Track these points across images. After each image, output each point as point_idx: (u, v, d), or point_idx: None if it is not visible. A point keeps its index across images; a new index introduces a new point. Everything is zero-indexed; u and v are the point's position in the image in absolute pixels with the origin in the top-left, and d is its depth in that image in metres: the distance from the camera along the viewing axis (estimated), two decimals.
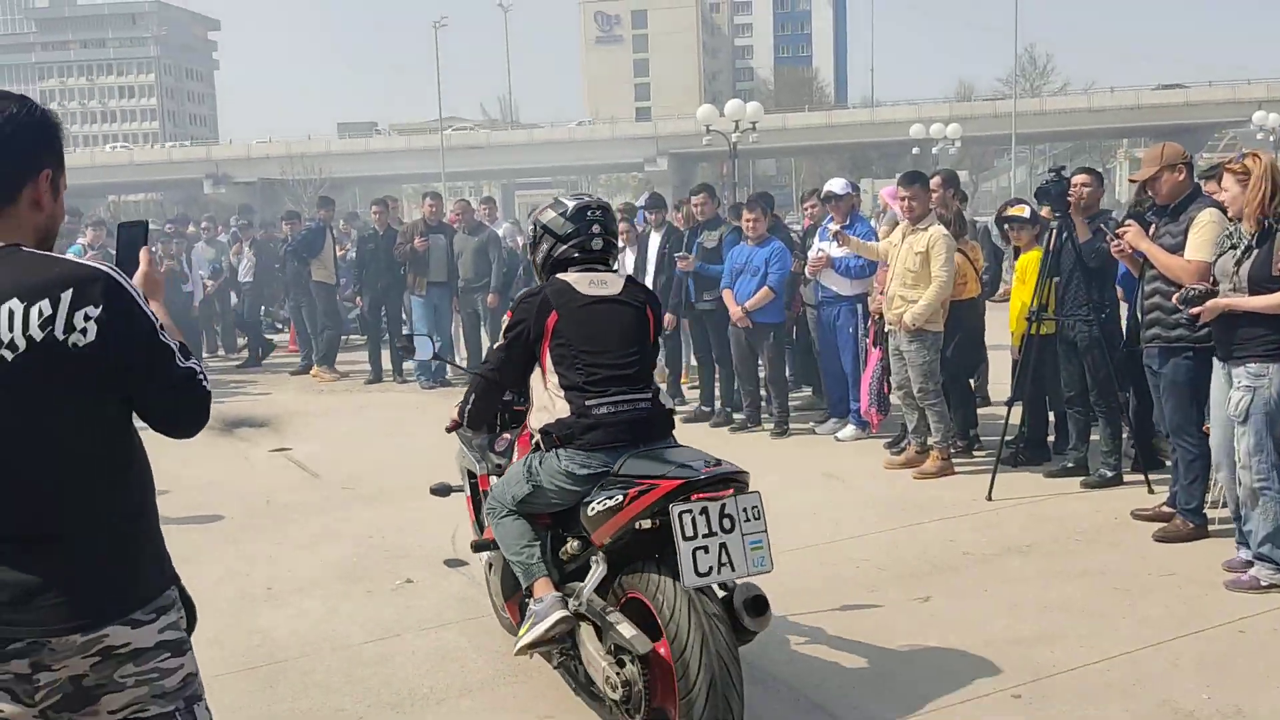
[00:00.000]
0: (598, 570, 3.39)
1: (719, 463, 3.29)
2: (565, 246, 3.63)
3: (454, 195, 55.45)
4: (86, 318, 1.87)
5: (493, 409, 3.92)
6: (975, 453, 7.28)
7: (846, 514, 6.10)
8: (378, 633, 4.52)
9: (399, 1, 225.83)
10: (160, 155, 76.70)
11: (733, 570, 3.18)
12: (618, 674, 3.24)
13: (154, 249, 12.04)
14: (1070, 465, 6.62)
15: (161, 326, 2.02)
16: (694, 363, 9.45)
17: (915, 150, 49.88)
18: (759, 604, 3.24)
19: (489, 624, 4.53)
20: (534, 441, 3.59)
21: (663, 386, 6.33)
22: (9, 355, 1.85)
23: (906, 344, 6.84)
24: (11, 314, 1.86)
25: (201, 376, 2.09)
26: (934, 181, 7.42)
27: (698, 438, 8.20)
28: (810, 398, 9.28)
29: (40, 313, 1.85)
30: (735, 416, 8.59)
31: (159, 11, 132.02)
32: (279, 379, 12.01)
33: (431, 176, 65.07)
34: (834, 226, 7.76)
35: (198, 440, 8.01)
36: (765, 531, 3.25)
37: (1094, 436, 6.58)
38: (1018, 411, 6.67)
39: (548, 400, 3.53)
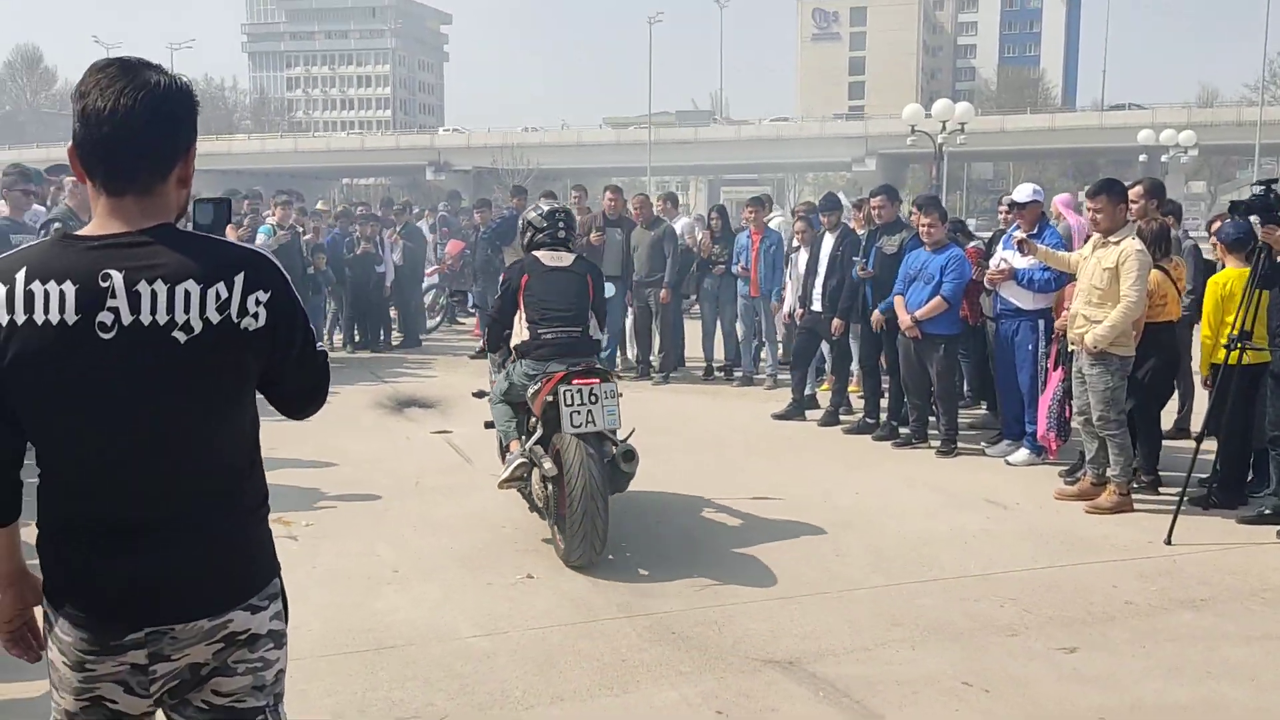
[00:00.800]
0: (536, 433, 5.46)
1: (594, 363, 5.46)
2: (540, 234, 5.81)
3: (660, 189, 56.00)
4: (258, 302, 1.86)
5: (499, 337, 5.94)
6: (1161, 490, 6.64)
7: (1003, 546, 5.66)
8: (487, 627, 4.47)
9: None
10: (388, 142, 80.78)
11: (595, 424, 5.20)
12: (542, 492, 5.38)
13: (351, 231, 12.63)
14: (1267, 512, 5.94)
15: None
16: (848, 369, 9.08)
17: (1143, 157, 46.84)
18: (629, 454, 5.31)
19: (599, 630, 4.42)
20: (512, 354, 5.71)
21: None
22: (182, 337, 1.81)
23: (1089, 367, 6.30)
24: (189, 295, 1.81)
25: (328, 362, 2.13)
26: (1134, 191, 6.80)
27: (857, 450, 7.92)
28: (984, 416, 8.74)
29: (218, 295, 1.83)
30: (901, 431, 8.17)
31: (398, 5, 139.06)
32: (458, 361, 12.30)
33: (638, 170, 66.00)
34: (1019, 234, 7.25)
35: (369, 418, 8.31)
36: (617, 402, 5.31)
37: None
38: (1211, 447, 6.04)
39: (520, 329, 5.63)
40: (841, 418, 8.87)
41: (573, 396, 5.18)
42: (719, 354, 11.14)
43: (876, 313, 7.99)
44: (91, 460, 1.85)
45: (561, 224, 5.81)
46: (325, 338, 12.80)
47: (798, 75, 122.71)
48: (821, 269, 8.76)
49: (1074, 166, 74.88)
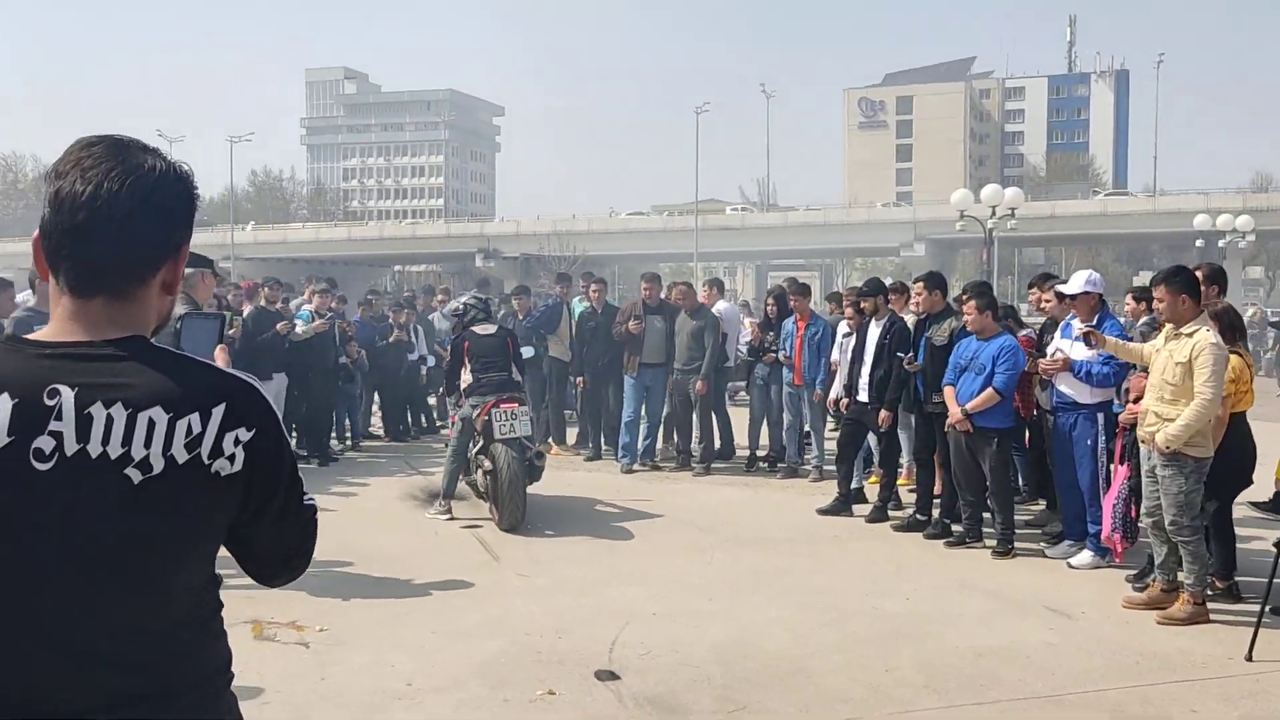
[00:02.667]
0: (479, 444, 8.08)
1: (514, 393, 8.12)
2: (475, 313, 8.62)
3: (708, 274, 56.07)
4: (237, 441, 1.54)
5: (454, 384, 8.52)
6: (1240, 598, 6.12)
7: (1068, 661, 5.18)
8: None
9: (666, 88, 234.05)
10: (439, 229, 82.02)
11: (515, 432, 7.83)
12: (484, 482, 8.09)
13: (384, 316, 12.48)
14: None
15: None
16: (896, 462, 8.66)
17: (1200, 243, 46.07)
18: (540, 455, 8.41)
19: None
20: (465, 394, 8.25)
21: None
22: (136, 476, 1.48)
23: (1161, 468, 5.83)
24: (151, 425, 1.49)
25: (318, 516, 1.76)
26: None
27: (907, 549, 7.47)
28: (1045, 514, 8.26)
29: (189, 429, 1.51)
30: (954, 528, 7.72)
31: (452, 99, 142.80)
32: None
33: (685, 256, 66.27)
34: (1079, 325, 6.88)
35: (398, 510, 7.96)
36: (529, 420, 8.12)
37: None
38: None
39: (466, 376, 8.23)
40: (890, 513, 8.44)
41: (500, 415, 7.86)
42: (764, 443, 10.78)
43: (957, 408, 7.30)
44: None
45: (481, 308, 8.78)
46: (361, 427, 12.62)
47: (844, 162, 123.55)
48: (868, 357, 8.42)
49: (1128, 252, 74.04)
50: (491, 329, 8.51)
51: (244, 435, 1.55)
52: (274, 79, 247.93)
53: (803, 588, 6.41)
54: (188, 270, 7.65)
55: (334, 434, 11.69)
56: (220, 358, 1.77)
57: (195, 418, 1.51)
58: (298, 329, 10.31)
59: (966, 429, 7.23)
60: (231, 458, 1.54)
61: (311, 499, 1.74)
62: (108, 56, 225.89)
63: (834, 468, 8.99)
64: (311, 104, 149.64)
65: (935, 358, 7.79)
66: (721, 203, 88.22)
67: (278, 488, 1.63)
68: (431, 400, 13.46)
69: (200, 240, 73.75)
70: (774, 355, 10.29)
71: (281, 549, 1.72)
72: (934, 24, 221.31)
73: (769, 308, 10.64)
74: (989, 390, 7.10)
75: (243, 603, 5.94)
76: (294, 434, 10.80)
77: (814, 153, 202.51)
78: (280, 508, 1.65)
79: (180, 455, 1.50)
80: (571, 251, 55.67)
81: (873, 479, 9.41)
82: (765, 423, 10.72)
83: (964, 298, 7.68)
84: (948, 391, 7.40)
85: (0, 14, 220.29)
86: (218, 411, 1.53)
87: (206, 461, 1.52)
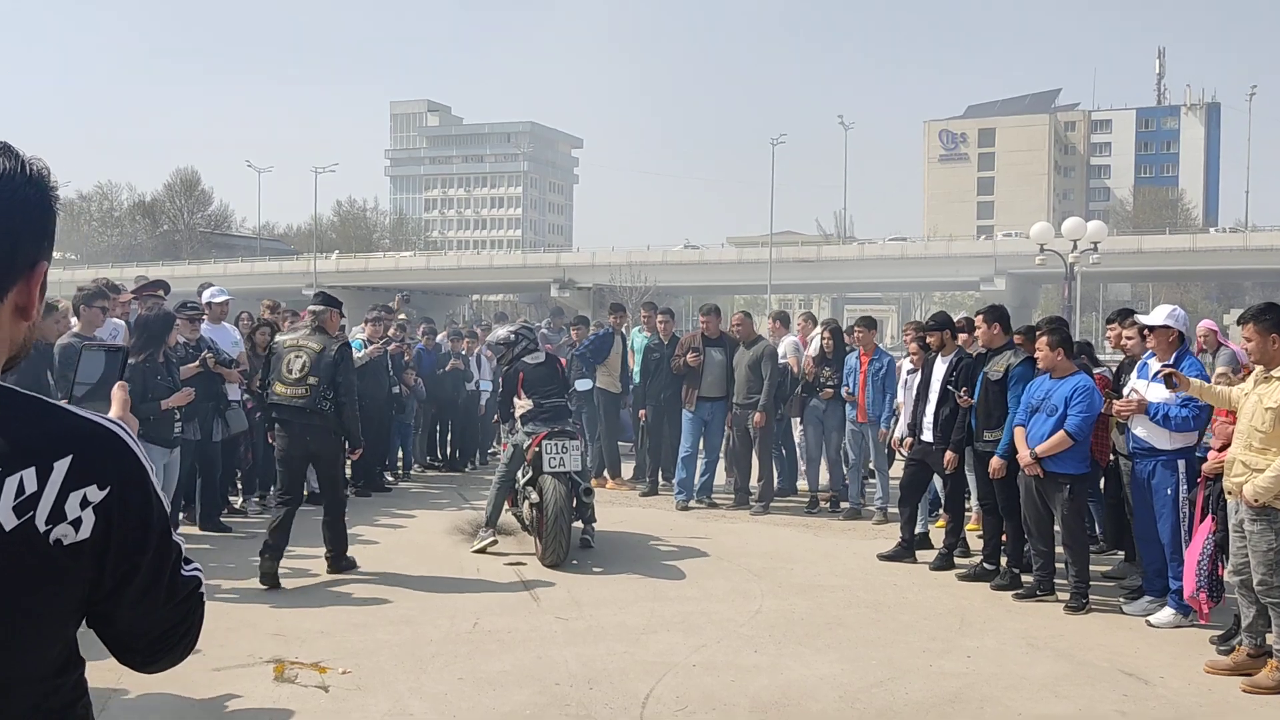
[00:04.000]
0: (529, 474, 7.87)
1: (566, 424, 8.05)
2: (525, 344, 8.50)
3: (783, 307, 55.57)
4: (84, 503, 1.27)
5: (508, 411, 8.38)
6: None
7: None
8: None
9: (743, 120, 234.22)
10: (516, 260, 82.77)
11: (564, 466, 7.67)
12: (529, 514, 7.88)
13: (432, 341, 12.30)
14: None
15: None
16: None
17: None
18: (589, 491, 8.11)
19: None
20: (517, 422, 8.16)
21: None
22: None
23: (1249, 522, 5.36)
24: None
25: (203, 589, 1.46)
26: None
27: (972, 601, 6.98)
28: (1123, 566, 7.73)
29: (20, 488, 1.24)
30: (1024, 580, 7.25)
31: (532, 130, 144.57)
32: None
33: (759, 288, 65.85)
34: (1156, 364, 6.42)
35: (442, 545, 7.75)
36: (579, 453, 7.86)
37: None
38: None
39: (522, 404, 8.12)
40: (956, 561, 7.99)
41: (551, 447, 7.72)
42: (824, 482, 10.38)
43: (996, 459, 7.14)
44: None
45: (528, 338, 8.67)
46: (416, 456, 12.47)
47: (924, 195, 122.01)
48: (933, 395, 8.00)
49: (1218, 289, 71.68)
50: (541, 356, 8.52)
51: (94, 495, 1.28)
52: (360, 112, 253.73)
53: (856, 641, 6.02)
54: (317, 308, 7.29)
55: (386, 463, 11.53)
56: (118, 396, 1.47)
57: (30, 474, 1.25)
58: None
59: (1036, 473, 6.78)
60: (76, 523, 1.27)
61: (196, 569, 1.45)
62: (198, 90, 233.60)
63: (898, 510, 8.58)
64: (395, 136, 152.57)
65: (989, 393, 7.37)
66: (797, 235, 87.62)
67: (140, 559, 1.35)
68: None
69: (286, 268, 76.28)
70: (831, 391, 9.92)
71: (150, 631, 1.42)
72: (1018, 57, 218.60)
73: (825, 342, 10.27)
74: (1060, 433, 6.65)
75: (267, 639, 5.77)
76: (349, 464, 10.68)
77: (892, 185, 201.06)
78: (147, 582, 1.36)
79: (7, 520, 1.23)
80: (644, 282, 55.55)
81: (939, 523, 8.97)
82: (823, 461, 10.33)
83: (1037, 333, 7.25)
84: (1017, 433, 6.97)
85: (94, 48, 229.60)
86: (61, 466, 1.27)
87: (43, 528, 1.25)
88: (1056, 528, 6.98)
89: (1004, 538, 7.56)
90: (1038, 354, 6.94)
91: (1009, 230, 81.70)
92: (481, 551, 8.00)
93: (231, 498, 9.56)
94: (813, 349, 10.52)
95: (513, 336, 8.65)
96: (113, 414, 1.55)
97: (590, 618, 6.41)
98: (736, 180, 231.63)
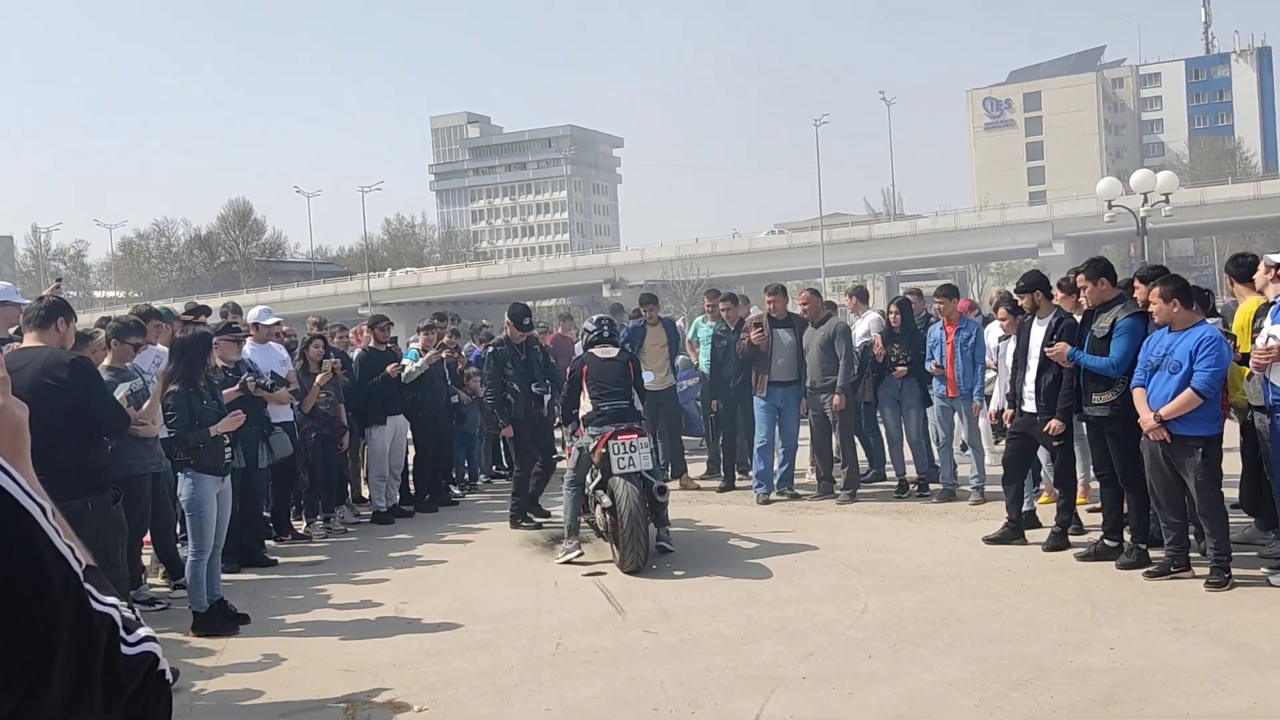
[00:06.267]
0: (598, 477, 7.49)
1: (634, 423, 7.52)
2: (592, 336, 8.11)
3: (837, 289, 54.57)
4: None
5: (571, 413, 8.05)
6: None
7: None
8: None
9: (782, 103, 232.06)
10: (566, 263, 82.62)
11: (634, 466, 7.25)
12: (603, 519, 7.55)
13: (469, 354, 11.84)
14: None
15: (85, 570, 0.92)
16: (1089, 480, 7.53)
17: None
18: (662, 490, 7.52)
19: None
20: (579, 424, 7.81)
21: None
22: None
23: None
24: None
25: (163, 664, 0.97)
26: None
27: (1100, 583, 6.31)
28: (1256, 531, 7.01)
29: None
30: (1154, 556, 6.58)
31: (572, 134, 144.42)
32: None
33: (812, 272, 64.89)
34: None
35: (516, 559, 7.33)
36: (650, 451, 7.39)
37: None
38: None
39: (585, 404, 7.73)
40: (1071, 539, 7.32)
41: (619, 447, 7.29)
42: (909, 466, 9.75)
43: (1055, 420, 6.39)
44: None
45: (606, 328, 8.14)
46: (483, 466, 12.01)
47: (972, 165, 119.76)
48: (1033, 362, 7.34)
49: None
50: (612, 352, 7.91)
51: None
52: (401, 127, 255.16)
53: (981, 638, 5.41)
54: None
55: (452, 475, 11.08)
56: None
57: None
58: (407, 368, 9.79)
59: (1163, 438, 6.11)
60: None
61: (145, 641, 0.95)
62: (243, 117, 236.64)
63: (998, 489, 7.93)
64: (438, 150, 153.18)
65: (1096, 351, 6.70)
66: (846, 216, 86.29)
67: (46, 659, 0.84)
68: (558, 434, 12.78)
69: (341, 290, 76.76)
70: (905, 369, 9.30)
71: None
72: (1058, 17, 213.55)
73: (893, 316, 9.62)
74: (1188, 392, 5.98)
75: (336, 676, 5.31)
76: (413, 479, 10.26)
77: (939, 158, 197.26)
78: (67, 687, 0.86)
79: None
80: (695, 275, 54.91)
81: (1044, 498, 8.30)
82: (904, 443, 9.69)
83: (1135, 283, 6.58)
84: (1137, 395, 6.30)
85: (143, 78, 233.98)
86: None
87: None
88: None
89: (1124, 510, 6.90)
90: (1153, 307, 6.27)
91: (1063, 193, 79.77)
92: (568, 563, 7.52)
93: (295, 522, 9.18)
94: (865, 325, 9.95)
95: (592, 324, 8.26)
96: None
97: (682, 629, 5.87)
98: (779, 167, 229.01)
